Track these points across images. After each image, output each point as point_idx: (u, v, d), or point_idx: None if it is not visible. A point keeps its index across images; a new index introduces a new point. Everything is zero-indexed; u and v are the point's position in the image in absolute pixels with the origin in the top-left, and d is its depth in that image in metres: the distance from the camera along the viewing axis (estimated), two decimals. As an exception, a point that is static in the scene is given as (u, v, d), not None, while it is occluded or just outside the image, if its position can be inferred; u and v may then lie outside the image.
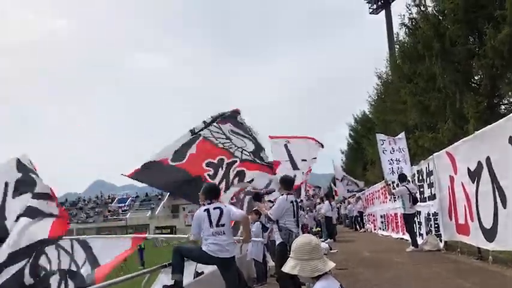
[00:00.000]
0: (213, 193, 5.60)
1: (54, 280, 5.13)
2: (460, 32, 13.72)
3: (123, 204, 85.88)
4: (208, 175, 7.72)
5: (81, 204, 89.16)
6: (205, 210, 5.33)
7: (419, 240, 11.00)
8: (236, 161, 8.17)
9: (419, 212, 11.41)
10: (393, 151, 13.08)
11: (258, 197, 8.45)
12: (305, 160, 12.33)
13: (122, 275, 5.15)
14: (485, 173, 6.96)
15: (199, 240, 5.55)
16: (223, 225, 5.28)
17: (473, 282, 6.39)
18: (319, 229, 18.76)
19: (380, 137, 13.70)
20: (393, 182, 12.84)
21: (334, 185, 29.77)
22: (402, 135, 13.46)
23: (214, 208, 5.34)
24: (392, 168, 12.72)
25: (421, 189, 11.31)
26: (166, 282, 5.30)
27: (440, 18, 15.05)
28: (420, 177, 11.39)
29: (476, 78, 14.91)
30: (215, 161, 7.92)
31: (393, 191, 11.19)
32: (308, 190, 22.69)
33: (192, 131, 7.96)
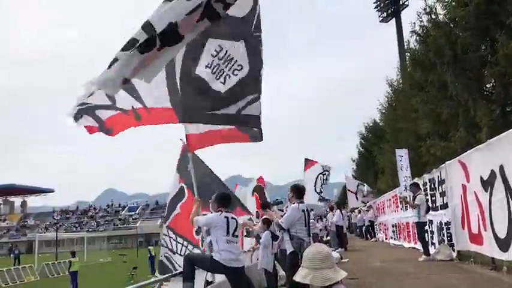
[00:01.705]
0: (227, 202, 5.65)
1: None
2: (472, 40, 13.62)
3: (133, 213, 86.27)
4: None
5: (92, 213, 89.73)
6: (225, 217, 5.35)
7: (432, 250, 10.87)
8: None
9: (432, 221, 11.30)
10: (407, 168, 13.12)
11: (266, 205, 8.44)
12: None
13: (133, 283, 5.16)
14: (498, 181, 6.87)
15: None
16: (236, 236, 5.38)
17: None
18: (329, 238, 18.62)
19: (399, 152, 13.73)
20: (409, 196, 12.72)
21: (346, 195, 29.74)
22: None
23: (232, 218, 5.44)
24: (406, 185, 12.72)
25: (433, 198, 11.20)
26: (177, 291, 5.29)
27: (452, 25, 14.97)
28: (432, 186, 11.28)
29: (488, 86, 14.77)
30: None
31: (416, 202, 10.94)
32: None
33: None
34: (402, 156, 13.40)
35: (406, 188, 12.66)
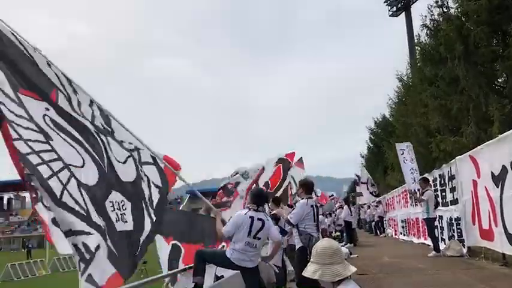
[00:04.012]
0: (261, 199, 5.50)
1: None
2: (484, 34, 13.45)
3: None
4: None
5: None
6: (250, 217, 5.21)
7: (442, 246, 10.81)
8: None
9: (442, 216, 11.23)
10: (412, 161, 12.96)
11: (276, 201, 8.42)
12: None
13: (143, 278, 5.19)
14: (509, 177, 6.81)
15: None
16: (259, 238, 5.22)
17: (498, 289, 6.26)
18: (339, 234, 18.62)
19: (400, 146, 13.54)
20: (419, 190, 12.63)
21: (355, 190, 29.55)
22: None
23: (258, 219, 5.23)
24: (414, 178, 12.58)
25: (443, 194, 11.13)
26: (186, 285, 5.31)
27: (463, 19, 14.78)
28: (442, 182, 11.21)
29: (500, 80, 14.60)
30: None
31: (423, 197, 10.88)
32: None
33: None
34: (404, 150, 13.22)
35: (414, 180, 12.52)
